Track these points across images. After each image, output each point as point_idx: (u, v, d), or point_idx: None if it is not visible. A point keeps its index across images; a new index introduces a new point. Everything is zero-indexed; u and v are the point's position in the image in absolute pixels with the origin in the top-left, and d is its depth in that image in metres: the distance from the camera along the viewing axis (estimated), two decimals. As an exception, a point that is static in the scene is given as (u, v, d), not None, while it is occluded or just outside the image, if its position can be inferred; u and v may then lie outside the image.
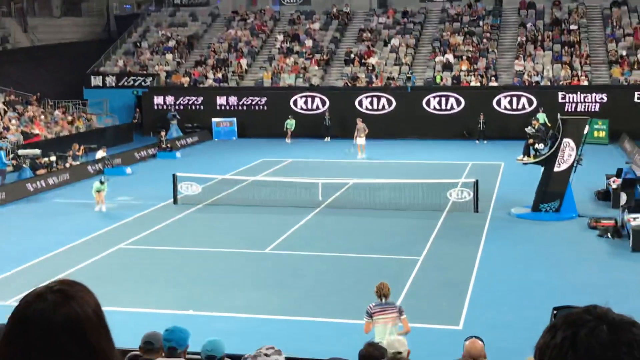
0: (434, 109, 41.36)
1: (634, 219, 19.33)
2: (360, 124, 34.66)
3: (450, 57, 42.99)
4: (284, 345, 12.81)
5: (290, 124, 40.31)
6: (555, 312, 6.66)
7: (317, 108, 42.60)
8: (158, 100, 44.18)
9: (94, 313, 1.89)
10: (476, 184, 22.97)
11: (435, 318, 14.06)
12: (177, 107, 43.36)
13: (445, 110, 41.23)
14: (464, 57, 42.88)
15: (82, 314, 1.87)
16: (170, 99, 43.93)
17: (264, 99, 43.04)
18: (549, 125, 33.20)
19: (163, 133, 37.29)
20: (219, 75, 44.74)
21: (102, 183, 24.15)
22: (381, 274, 16.69)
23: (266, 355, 3.14)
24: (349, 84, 43.04)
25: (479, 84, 41.71)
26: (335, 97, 42.16)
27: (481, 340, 7.65)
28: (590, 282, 16.11)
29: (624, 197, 22.55)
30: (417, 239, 19.91)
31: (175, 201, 24.65)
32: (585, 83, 40.05)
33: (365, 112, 41.86)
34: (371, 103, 42.03)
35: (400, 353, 7.34)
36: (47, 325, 1.83)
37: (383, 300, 10.52)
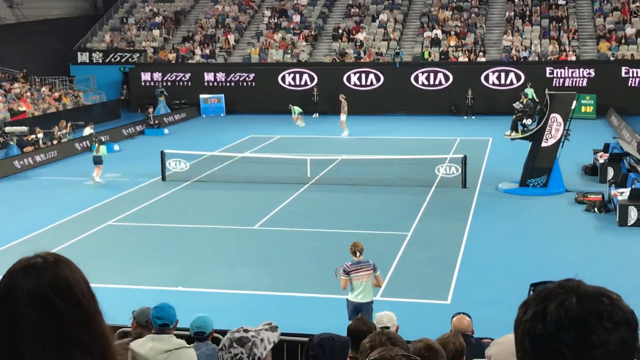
0: (422, 84, 41.29)
1: (621, 193, 19.44)
2: (343, 100, 34.40)
3: (438, 32, 42.87)
4: (273, 321, 12.87)
5: (295, 109, 39.79)
6: (532, 288, 6.72)
7: (306, 84, 42.45)
8: (145, 76, 43.89)
9: (84, 281, 1.88)
10: (464, 159, 23.01)
11: (423, 293, 14.15)
12: (164, 84, 43.10)
13: (434, 85, 41.17)
14: (452, 33, 42.77)
15: (72, 277, 1.84)
16: (157, 76, 43.64)
17: (252, 75, 42.84)
18: (537, 100, 33.26)
19: (151, 110, 37.10)
20: (207, 51, 44.46)
21: (102, 143, 24.65)
22: (370, 249, 16.70)
23: (255, 332, 3.11)
24: (337, 60, 42.87)
25: (467, 60, 41.64)
26: (323, 73, 42.01)
27: (468, 316, 7.70)
28: (577, 256, 16.23)
29: (611, 172, 22.67)
30: (405, 215, 19.96)
31: (163, 178, 24.59)
32: (573, 58, 40.07)
33: (353, 88, 41.75)
34: (359, 79, 41.91)
35: (388, 328, 7.38)
36: (38, 282, 1.79)
37: (358, 255, 11.38)
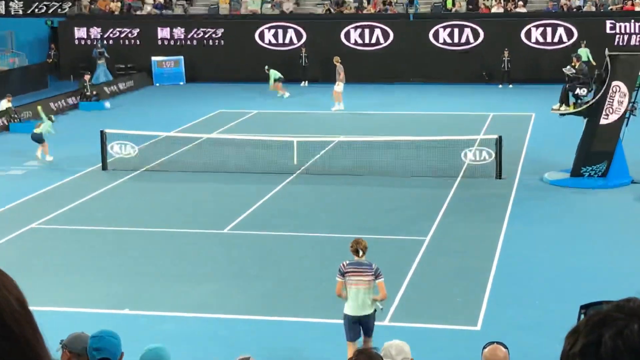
0: (444, 43, 41.32)
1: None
2: (338, 65, 34.30)
3: (465, -26, 42.90)
4: (249, 352, 12.92)
5: (274, 74, 39.73)
6: (583, 311, 6.80)
7: (291, 43, 42.41)
8: (80, 32, 43.73)
9: (16, 300, 1.87)
10: (499, 141, 23.06)
11: (446, 316, 14.19)
12: (105, 42, 42.95)
13: (459, 44, 41.19)
14: (484, -25, 42.81)
15: (0, 298, 1.83)
16: (96, 31, 43.48)
17: (220, 31, 42.76)
18: (594, 64, 33.33)
19: (87, 77, 37.00)
20: (161, -1, 44.38)
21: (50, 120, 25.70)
22: (376, 259, 16.77)
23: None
24: (332, 11, 42.85)
25: (502, 10, 41.68)
26: (314, 29, 41.98)
27: (504, 347, 7.74)
28: (646, 268, 16.31)
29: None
30: (422, 215, 19.99)
31: (104, 166, 24.56)
32: (642, 9, 40.18)
33: (353, 48, 41.74)
34: (361, 36, 41.90)
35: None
36: None
37: (360, 254, 11.73)
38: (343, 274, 11.75)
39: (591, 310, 2.73)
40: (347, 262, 11.83)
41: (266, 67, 38.56)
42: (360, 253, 11.79)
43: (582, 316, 6.82)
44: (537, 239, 18.26)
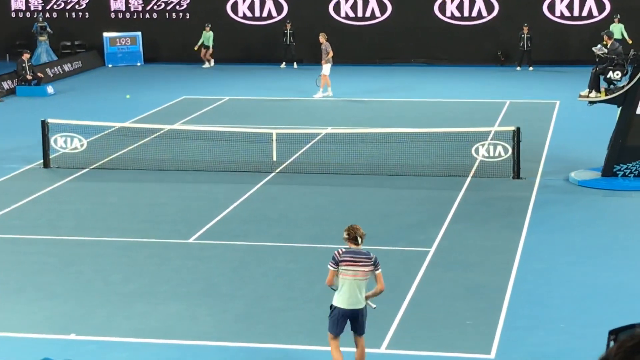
0: (452, 17, 41.40)
1: None
2: (324, 42, 34.30)
3: None
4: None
5: (207, 37, 40.14)
6: (613, 337, 6.85)
7: (270, 17, 42.41)
8: (17, 3, 43.62)
9: None
10: (517, 134, 23.12)
11: (454, 343, 14.21)
12: (47, 15, 42.83)
13: (470, 19, 41.27)
14: (499, -63, 42.94)
15: None
16: (36, 2, 43.36)
17: (185, 2, 42.72)
18: (630, 42, 33.44)
19: (26, 56, 36.92)
20: (114, -37, 44.33)
21: None
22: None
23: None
24: (319, -21, 42.88)
25: (521, -21, 41.78)
26: (297, 0, 41.97)
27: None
28: (691, 285, 16.38)
29: None
30: (426, 221, 20.03)
31: (46, 163, 24.51)
32: (686, -23, 40.35)
33: (344, 23, 41.75)
34: (353, 8, 41.93)
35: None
36: None
37: (359, 241, 12.18)
38: (337, 263, 12.03)
39: (622, 335, 2.75)
40: (343, 249, 12.15)
41: (206, 26, 39.29)
42: (359, 241, 12.12)
43: (612, 343, 6.84)
44: (562, 250, 18.30)
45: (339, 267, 12.05)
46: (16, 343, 14.06)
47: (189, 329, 14.74)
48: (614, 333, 7.12)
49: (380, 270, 12.26)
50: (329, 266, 12.19)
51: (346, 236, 12.28)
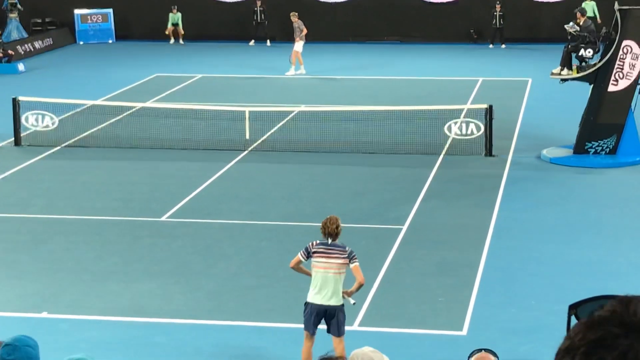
0: (425, -5, 41.31)
1: None
2: (296, 21, 34.21)
3: None
4: (192, 364, 12.89)
5: (176, 18, 40.22)
6: (573, 311, 6.79)
7: (242, -7, 42.21)
8: (-13, -20, 43.21)
9: None
10: (489, 111, 23.15)
11: (426, 320, 14.26)
12: (18, -8, 42.50)
13: (443, -3, 41.19)
14: None
15: None
16: (7, -21, 43.00)
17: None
18: (599, 22, 33.50)
19: (-4, 33, 36.64)
20: (85, -60, 44.01)
21: None
22: (343, 252, 16.82)
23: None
24: (292, -44, 42.73)
25: (494, -44, 41.77)
26: (270, -23, 41.83)
27: (494, 355, 7.78)
28: (661, 261, 16.48)
29: None
30: (398, 199, 20.05)
31: (17, 142, 24.38)
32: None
33: (317, 1, 41.62)
34: (327, -14, 41.76)
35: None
36: None
37: (330, 241, 11.84)
38: (309, 254, 11.92)
39: (582, 312, 2.73)
40: (317, 241, 12.01)
41: (173, 8, 39.24)
42: (330, 239, 11.95)
43: (573, 319, 6.83)
44: (533, 227, 18.37)
45: (312, 259, 11.92)
46: (-13, 322, 14.03)
47: (161, 307, 14.73)
48: (574, 307, 7.05)
49: (356, 263, 11.98)
50: (299, 254, 12.10)
51: (321, 230, 12.07)
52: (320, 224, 12.14)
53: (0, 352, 6.56)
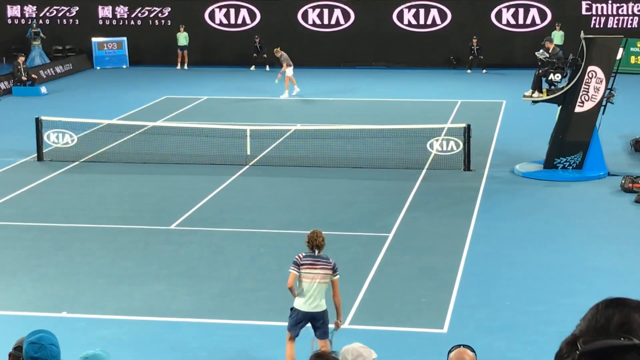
0: (409, 24, 41.42)
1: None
2: (281, 54, 34.18)
3: (431, -49, 43.09)
4: (197, 358, 12.89)
5: (183, 37, 40.15)
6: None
7: (244, 24, 42.29)
8: (13, 11, 43.25)
9: None
10: (467, 130, 23.17)
11: (410, 318, 14.24)
12: (40, 22, 42.52)
13: (425, 27, 41.30)
14: (451, -48, 43.01)
15: None
16: (30, 10, 43.04)
17: (166, 10, 42.50)
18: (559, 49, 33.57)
19: (21, 59, 36.63)
20: (102, -25, 44.07)
21: None
22: (336, 257, 16.76)
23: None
24: (289, -11, 42.81)
25: (471, -10, 41.87)
26: (268, 8, 41.89)
27: (472, 350, 7.77)
28: (625, 268, 16.47)
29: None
30: (385, 209, 20.04)
31: (39, 157, 24.35)
32: (619, -11, 40.57)
33: (311, 30, 41.71)
34: (320, 16, 41.87)
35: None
36: None
37: (316, 252, 11.76)
38: (299, 266, 11.79)
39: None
40: (304, 254, 11.91)
41: (180, 27, 39.05)
42: (317, 251, 11.85)
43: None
44: (507, 235, 18.38)
45: (300, 270, 11.79)
46: (11, 320, 14.01)
47: (169, 307, 14.70)
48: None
49: (337, 277, 11.88)
50: (290, 269, 11.90)
51: (307, 242, 11.96)
52: (307, 238, 11.99)
53: (26, 349, 6.53)
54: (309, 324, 12.01)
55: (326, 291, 11.88)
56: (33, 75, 36.19)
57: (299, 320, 11.86)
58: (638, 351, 1.83)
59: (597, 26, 39.51)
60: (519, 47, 39.73)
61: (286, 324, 12.18)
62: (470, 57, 39.39)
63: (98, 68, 41.87)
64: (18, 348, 6.93)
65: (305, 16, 41.72)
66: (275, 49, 34.89)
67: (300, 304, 11.82)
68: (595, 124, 22.35)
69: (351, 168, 23.24)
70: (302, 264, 11.78)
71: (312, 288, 11.73)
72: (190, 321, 14.18)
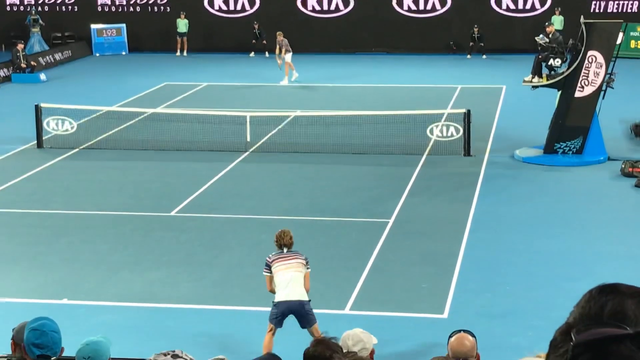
0: (409, 10, 41.34)
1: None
2: (282, 40, 34.11)
3: (431, -64, 42.96)
4: (198, 343, 12.91)
5: (183, 24, 40.10)
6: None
7: (243, 9, 42.21)
8: (12, -2, 43.17)
9: None
10: (467, 115, 23.16)
11: (411, 304, 14.26)
12: (39, 8, 42.44)
13: (425, 12, 41.23)
14: (451, -63, 42.89)
15: None
16: (29, -3, 42.95)
17: (166, -3, 42.43)
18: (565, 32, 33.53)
19: (20, 46, 36.59)
20: (101, -39, 43.97)
21: None
22: (336, 243, 16.82)
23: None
24: (288, -25, 42.72)
25: (471, -25, 41.79)
26: (268, -6, 41.83)
27: (472, 335, 7.78)
28: (625, 252, 16.49)
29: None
30: (385, 195, 20.04)
31: (39, 144, 24.35)
32: (619, -27, 40.48)
33: (311, 16, 41.63)
34: (319, 2, 41.78)
35: (355, 353, 7.44)
36: None
37: (285, 251, 11.90)
38: (269, 266, 11.77)
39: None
40: (273, 253, 11.91)
41: (181, 14, 38.73)
42: (285, 250, 11.84)
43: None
44: (507, 220, 18.38)
45: (272, 268, 11.73)
46: (13, 307, 14.02)
47: (170, 294, 14.72)
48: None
49: (309, 270, 11.86)
50: (264, 273, 11.94)
51: (275, 242, 11.98)
52: (275, 237, 11.99)
53: (27, 336, 6.53)
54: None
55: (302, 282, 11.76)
56: (32, 63, 36.17)
57: (280, 312, 11.69)
58: (632, 340, 1.83)
59: (597, 11, 39.44)
60: (518, 32, 39.66)
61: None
62: (471, 44, 39.36)
63: (97, 55, 41.84)
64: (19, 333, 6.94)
65: (304, 2, 41.64)
66: (278, 33, 34.80)
67: (281, 295, 11.67)
68: (595, 108, 22.33)
69: (351, 154, 23.24)
70: (273, 261, 11.75)
71: (288, 277, 11.63)
72: (190, 307, 14.21)
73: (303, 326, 11.83)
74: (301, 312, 11.73)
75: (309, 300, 11.81)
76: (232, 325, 13.61)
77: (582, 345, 1.85)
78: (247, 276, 15.45)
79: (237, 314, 14.01)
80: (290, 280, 11.66)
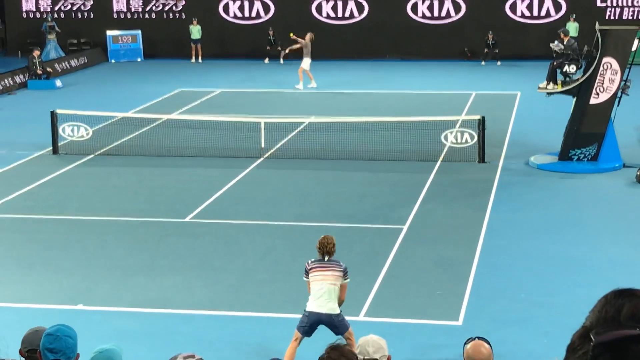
0: (423, 16, 41.33)
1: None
2: (298, 40, 33.97)
3: (445, -58, 42.96)
4: (213, 349, 12.91)
5: (196, 31, 40.19)
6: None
7: (258, 16, 42.28)
8: (28, 5, 43.35)
9: None
10: (482, 122, 23.13)
11: (425, 311, 14.23)
12: (55, 15, 42.60)
13: (439, 18, 41.21)
14: (466, -57, 42.88)
15: None
16: (45, 4, 43.12)
17: (180, 4, 42.53)
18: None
19: (36, 53, 36.73)
20: (116, -32, 44.11)
21: None
22: (350, 249, 16.79)
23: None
24: (303, -18, 42.77)
25: (486, -18, 41.75)
26: (283, 1, 41.86)
27: (488, 343, 7.75)
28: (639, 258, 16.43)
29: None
30: (399, 201, 20.02)
31: (55, 150, 24.42)
32: (634, -20, 40.39)
33: (325, 22, 41.67)
34: (334, 9, 41.83)
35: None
36: None
37: (326, 259, 11.69)
38: (308, 273, 11.68)
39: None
40: (312, 260, 11.79)
41: (193, 20, 38.74)
42: (326, 257, 11.68)
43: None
44: (522, 227, 18.34)
45: (309, 276, 11.65)
46: (28, 313, 14.04)
47: (184, 300, 14.73)
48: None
49: (347, 280, 11.69)
50: (304, 278, 11.83)
51: (317, 248, 11.78)
52: (317, 244, 11.77)
53: (43, 341, 6.55)
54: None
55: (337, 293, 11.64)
56: (48, 69, 36.30)
57: (310, 322, 11.65)
58: None
59: (612, 17, 39.36)
60: (533, 39, 39.60)
61: (299, 316, 12.11)
62: (486, 50, 39.35)
63: (113, 61, 41.96)
64: (31, 350, 6.93)
65: (319, 8, 41.69)
66: (291, 32, 34.66)
67: (312, 305, 11.64)
68: (610, 115, 22.28)
69: (365, 160, 23.24)
70: (311, 269, 11.65)
71: (323, 289, 11.52)
72: (205, 313, 14.21)
73: (337, 334, 11.65)
74: (333, 324, 11.65)
75: (340, 312, 11.68)
76: (246, 331, 13.61)
77: (602, 346, 1.86)
78: (261, 282, 15.46)
79: (252, 319, 14.00)
80: (324, 293, 11.54)
